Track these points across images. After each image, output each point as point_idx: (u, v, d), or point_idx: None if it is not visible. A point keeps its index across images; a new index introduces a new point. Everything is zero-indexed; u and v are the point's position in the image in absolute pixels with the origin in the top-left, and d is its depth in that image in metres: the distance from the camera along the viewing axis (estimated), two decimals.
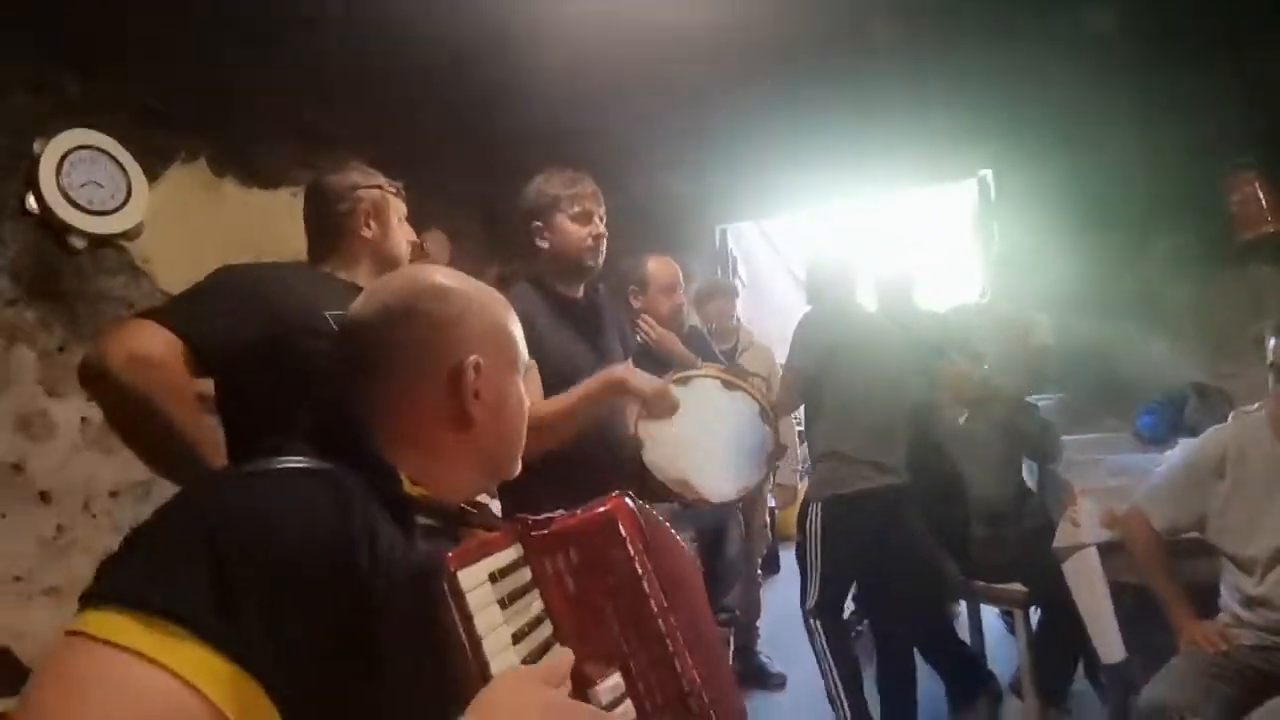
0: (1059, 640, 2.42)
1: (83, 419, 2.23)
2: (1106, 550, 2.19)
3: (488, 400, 0.76)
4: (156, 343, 1.13)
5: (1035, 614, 2.55)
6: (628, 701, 0.66)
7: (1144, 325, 3.20)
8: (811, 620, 2.43)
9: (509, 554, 0.66)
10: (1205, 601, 1.82)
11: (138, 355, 1.10)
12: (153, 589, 0.50)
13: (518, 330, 0.83)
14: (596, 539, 0.70)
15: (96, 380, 1.11)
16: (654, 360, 2.31)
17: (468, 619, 0.56)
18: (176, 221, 2.49)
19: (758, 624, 3.13)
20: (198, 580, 0.51)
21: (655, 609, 0.69)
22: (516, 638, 0.61)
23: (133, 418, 1.14)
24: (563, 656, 0.63)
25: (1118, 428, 3.07)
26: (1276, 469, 1.70)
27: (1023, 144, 3.43)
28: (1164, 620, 1.83)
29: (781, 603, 3.44)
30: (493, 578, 0.61)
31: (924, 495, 2.57)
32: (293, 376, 1.08)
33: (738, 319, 3.36)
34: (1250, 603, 1.71)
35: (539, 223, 1.71)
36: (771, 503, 3.76)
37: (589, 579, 0.69)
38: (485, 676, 0.55)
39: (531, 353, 1.53)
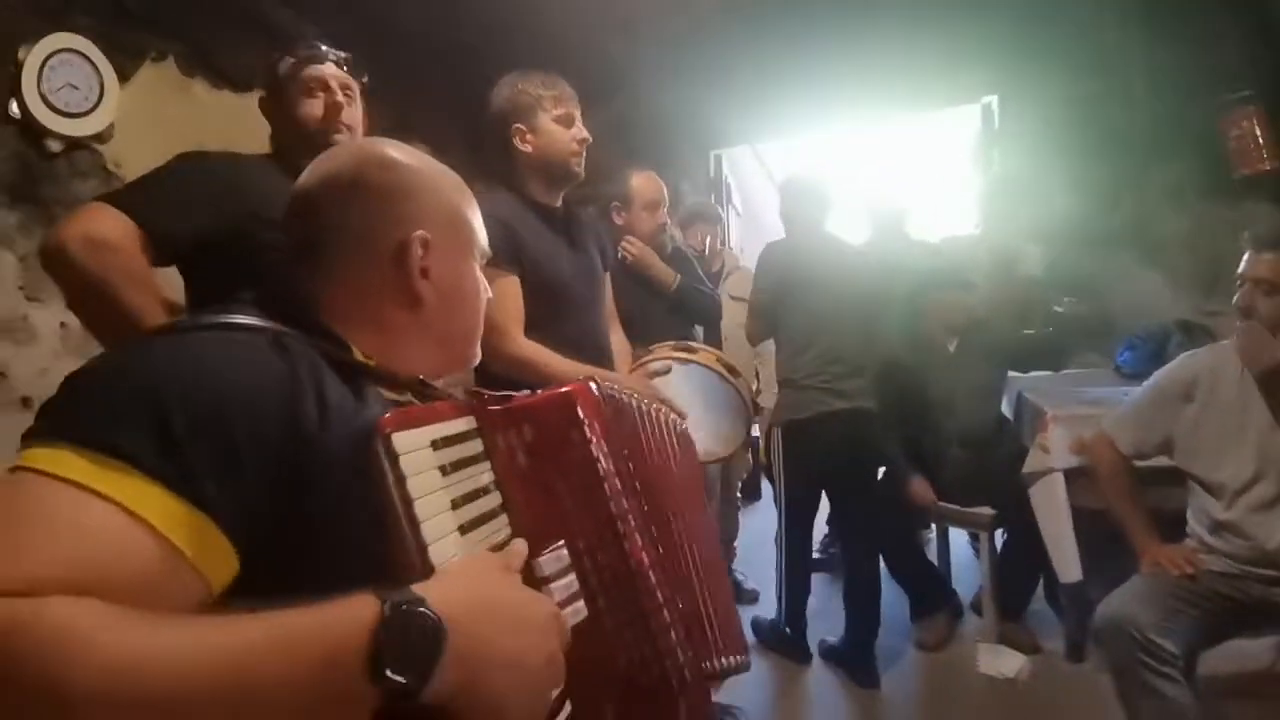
0: (1021, 561, 2.52)
1: (62, 324, 2.23)
2: (1075, 476, 2.25)
3: (439, 280, 0.74)
4: (113, 226, 1.12)
5: (1001, 538, 2.64)
6: (571, 575, 0.67)
7: (1136, 259, 3.19)
8: (779, 531, 2.58)
9: (458, 424, 0.66)
10: (1174, 531, 1.82)
11: (93, 238, 1.10)
12: (97, 428, 0.50)
13: (475, 216, 0.81)
14: (552, 418, 0.70)
15: (54, 262, 1.11)
16: (634, 279, 2.30)
17: (400, 480, 0.56)
18: (147, 123, 2.43)
19: (735, 544, 3.23)
20: (141, 420, 0.51)
21: (609, 491, 0.69)
22: (455, 504, 0.61)
23: (90, 300, 1.13)
24: (518, 544, 0.64)
25: (1100, 363, 3.10)
26: (1250, 396, 1.68)
27: (1029, 70, 3.33)
28: (1123, 545, 1.83)
29: (760, 527, 3.56)
30: (435, 445, 0.61)
31: (907, 420, 2.64)
32: (250, 267, 1.07)
33: (724, 243, 3.33)
34: (1218, 528, 1.69)
35: (520, 124, 1.61)
36: (754, 431, 3.81)
37: (542, 456, 0.69)
38: (418, 538, 0.56)
39: (514, 259, 1.54)
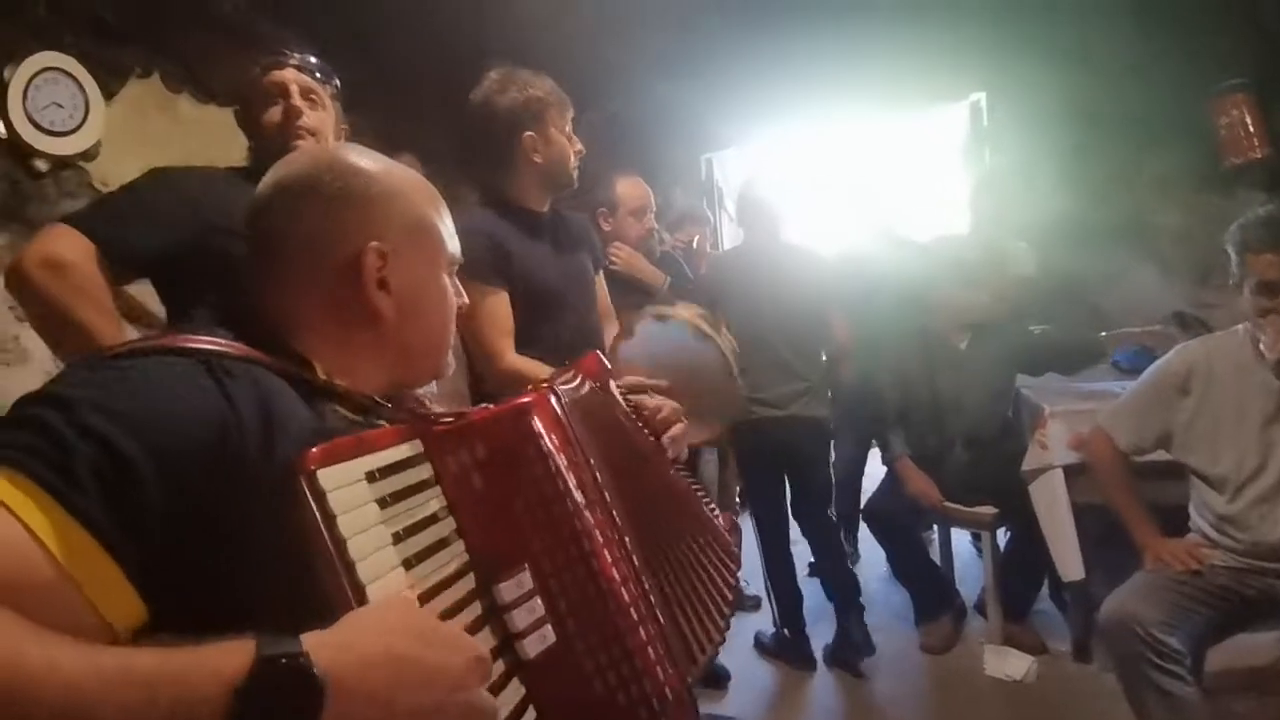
0: (1025, 560, 2.49)
1: None
2: (1075, 472, 2.23)
3: (399, 293, 0.70)
4: (68, 246, 1.13)
5: (1004, 537, 2.62)
6: (536, 600, 0.64)
7: (1130, 253, 3.17)
8: (755, 527, 2.61)
9: (399, 450, 0.62)
10: (1173, 526, 1.80)
11: (50, 259, 1.11)
12: (16, 450, 0.49)
13: (443, 224, 0.77)
14: (507, 433, 0.66)
15: (15, 284, 1.13)
16: (622, 284, 2.28)
17: (329, 519, 0.53)
18: (133, 140, 2.44)
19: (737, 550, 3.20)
20: (45, 435, 0.50)
21: (571, 507, 0.66)
22: (398, 537, 0.58)
23: (49, 320, 1.14)
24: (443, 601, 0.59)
25: None
26: (1248, 387, 1.66)
27: (1017, 66, 3.32)
28: (1126, 541, 1.81)
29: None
30: (371, 476, 0.58)
31: (913, 418, 2.64)
32: (218, 280, 1.06)
33: (713, 246, 3.31)
34: (1221, 522, 1.67)
35: (532, 133, 1.56)
36: None
37: (497, 475, 0.65)
38: (353, 580, 0.53)
39: (503, 275, 1.52)
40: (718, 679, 2.42)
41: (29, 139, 2.15)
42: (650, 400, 0.99)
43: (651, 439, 0.94)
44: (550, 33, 3.27)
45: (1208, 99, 2.96)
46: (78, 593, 0.48)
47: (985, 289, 2.62)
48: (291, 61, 1.37)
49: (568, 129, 1.61)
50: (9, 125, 2.11)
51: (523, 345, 1.55)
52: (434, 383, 1.50)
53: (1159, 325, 2.81)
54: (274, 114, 1.33)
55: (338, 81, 1.45)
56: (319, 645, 0.47)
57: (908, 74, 3.43)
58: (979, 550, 2.93)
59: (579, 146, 1.62)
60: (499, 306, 1.52)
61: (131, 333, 1.26)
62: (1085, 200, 3.20)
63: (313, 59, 1.41)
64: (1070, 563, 2.20)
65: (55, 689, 0.41)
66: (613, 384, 0.91)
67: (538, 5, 3.19)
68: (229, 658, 0.45)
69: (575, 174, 1.63)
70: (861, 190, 3.28)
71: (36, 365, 2.20)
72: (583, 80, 1.90)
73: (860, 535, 3.31)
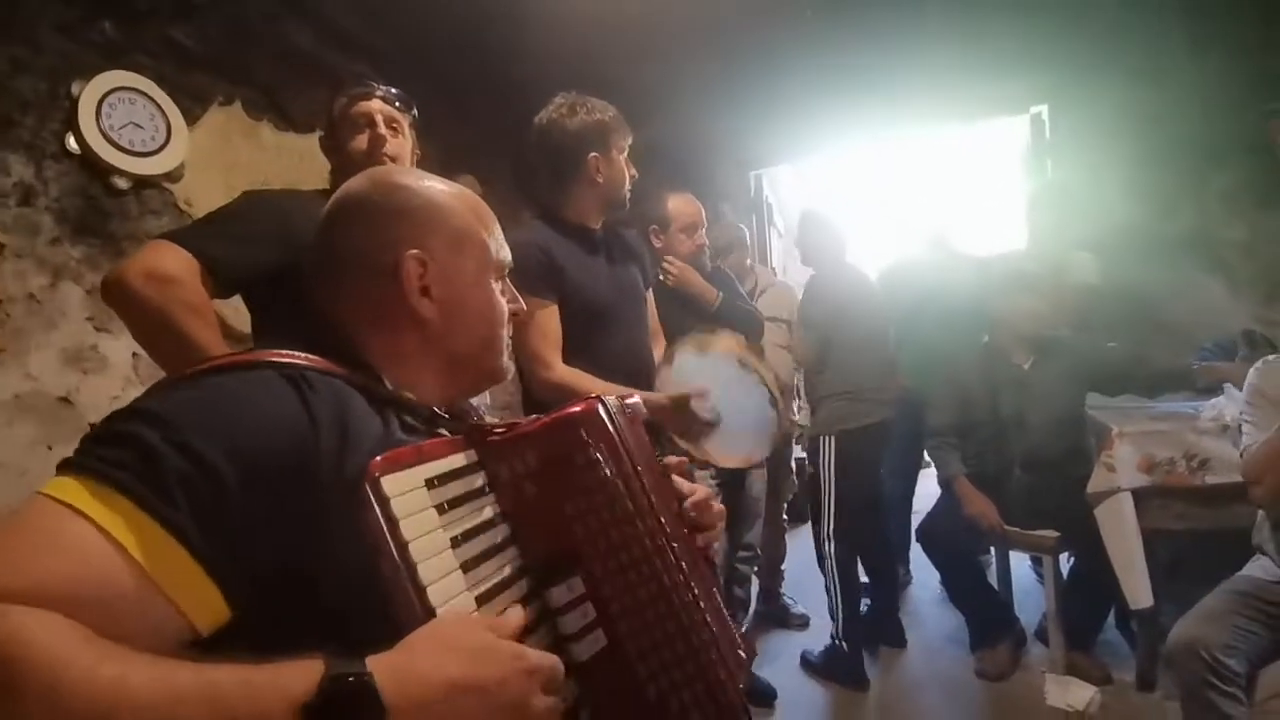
0: (1090, 586, 2.39)
1: (134, 354, 2.32)
2: (1145, 495, 2.13)
3: (442, 300, 0.74)
4: (172, 261, 1.18)
5: (1066, 562, 2.51)
6: (588, 604, 0.65)
7: (1197, 267, 3.05)
8: (825, 544, 2.60)
9: (454, 460, 0.65)
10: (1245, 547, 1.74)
11: (155, 272, 1.16)
12: (103, 460, 0.53)
13: (490, 235, 0.81)
14: (558, 443, 0.69)
15: (115, 295, 1.18)
16: (676, 298, 2.29)
17: (393, 524, 0.56)
18: (217, 164, 2.54)
19: (782, 567, 3.16)
20: (135, 449, 0.53)
21: (623, 513, 0.68)
22: (456, 541, 0.60)
23: (152, 331, 1.19)
24: (513, 613, 0.61)
25: None
26: None
27: (1079, 78, 3.24)
28: (1196, 568, 1.76)
29: (807, 548, 3.46)
30: (429, 484, 0.61)
31: (972, 439, 2.60)
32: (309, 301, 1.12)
33: (751, 261, 3.30)
34: None
35: (596, 154, 1.63)
36: (799, 453, 3.74)
37: (549, 483, 0.67)
38: (415, 581, 0.56)
39: (554, 288, 1.56)
40: (764, 696, 2.39)
41: (106, 156, 2.23)
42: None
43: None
44: (601, 55, 3.33)
45: (1267, 116, 2.86)
46: (160, 596, 0.51)
47: (1045, 299, 2.54)
48: (377, 93, 1.45)
49: (625, 152, 1.67)
50: (81, 141, 2.18)
51: (572, 358, 1.58)
52: (487, 394, 1.53)
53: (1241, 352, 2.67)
54: (360, 142, 1.42)
55: (416, 111, 1.53)
56: (380, 666, 0.50)
57: (964, 86, 3.39)
58: (1039, 575, 2.82)
59: (633, 171, 1.69)
60: (549, 318, 1.56)
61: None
62: (1151, 212, 3.09)
63: (394, 90, 1.49)
64: (1139, 590, 2.10)
65: (127, 710, 0.45)
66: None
67: (590, 30, 3.26)
68: (298, 676, 0.48)
69: (628, 196, 1.70)
70: (915, 202, 3.24)
71: (116, 373, 2.30)
72: (632, 100, 1.94)
73: (911, 556, 3.24)
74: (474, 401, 0.89)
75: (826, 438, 2.64)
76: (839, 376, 2.66)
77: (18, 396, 2.04)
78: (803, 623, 2.90)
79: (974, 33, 3.27)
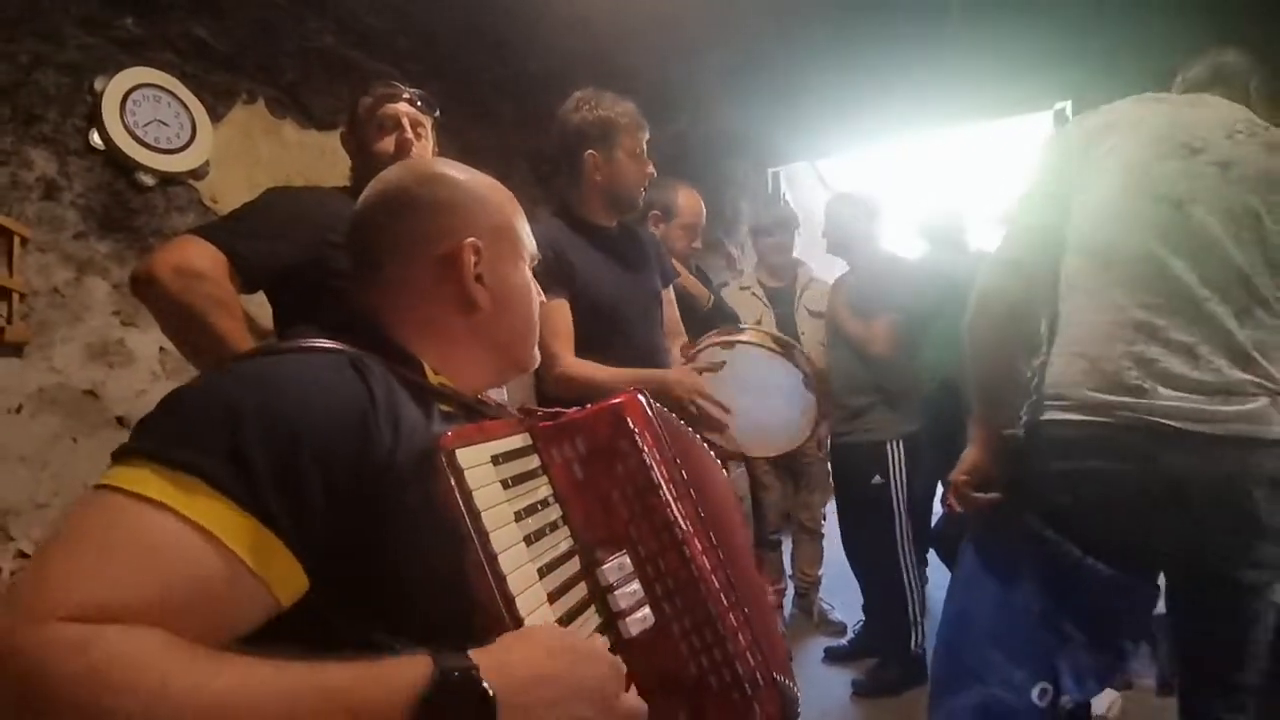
0: None
1: (161, 349, 2.34)
2: None
3: (492, 285, 0.77)
4: (201, 255, 1.20)
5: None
6: (635, 582, 0.68)
7: None
8: (903, 553, 2.45)
9: (514, 440, 0.68)
10: None
11: (183, 267, 1.18)
12: (173, 445, 0.53)
13: (523, 224, 0.84)
14: (603, 429, 0.72)
15: (144, 288, 1.20)
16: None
17: (467, 494, 0.58)
18: (241, 162, 2.55)
19: (820, 573, 3.14)
20: (215, 439, 0.53)
21: (664, 498, 0.71)
22: (519, 516, 0.62)
23: (181, 324, 1.21)
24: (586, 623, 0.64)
25: None
26: None
27: (1102, 74, 3.18)
28: None
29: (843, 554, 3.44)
30: (495, 460, 0.63)
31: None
32: (333, 295, 1.12)
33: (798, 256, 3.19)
34: None
35: (594, 151, 1.61)
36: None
37: (596, 467, 0.71)
38: (487, 549, 0.57)
39: (564, 283, 1.56)
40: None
41: (130, 152, 2.23)
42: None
43: (715, 477, 0.97)
44: (622, 51, 3.33)
45: None
46: (252, 578, 0.52)
47: None
48: (404, 95, 1.47)
49: (638, 151, 1.63)
50: (106, 137, 2.18)
51: (580, 355, 1.58)
52: (504, 390, 1.53)
53: None
54: (387, 144, 1.44)
55: (439, 112, 1.55)
56: (481, 660, 0.52)
57: (987, 83, 3.35)
58: None
59: (650, 171, 1.65)
60: (558, 312, 1.57)
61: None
62: None
63: (419, 91, 1.51)
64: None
65: (245, 712, 0.46)
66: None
67: (610, 26, 3.26)
68: (410, 671, 0.49)
69: (641, 197, 1.67)
70: (928, 201, 3.19)
71: (142, 366, 2.33)
72: (652, 96, 1.93)
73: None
74: (490, 393, 0.91)
75: (893, 442, 2.49)
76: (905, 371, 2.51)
77: (42, 390, 2.05)
78: (840, 630, 2.88)
79: (997, 29, 3.23)
